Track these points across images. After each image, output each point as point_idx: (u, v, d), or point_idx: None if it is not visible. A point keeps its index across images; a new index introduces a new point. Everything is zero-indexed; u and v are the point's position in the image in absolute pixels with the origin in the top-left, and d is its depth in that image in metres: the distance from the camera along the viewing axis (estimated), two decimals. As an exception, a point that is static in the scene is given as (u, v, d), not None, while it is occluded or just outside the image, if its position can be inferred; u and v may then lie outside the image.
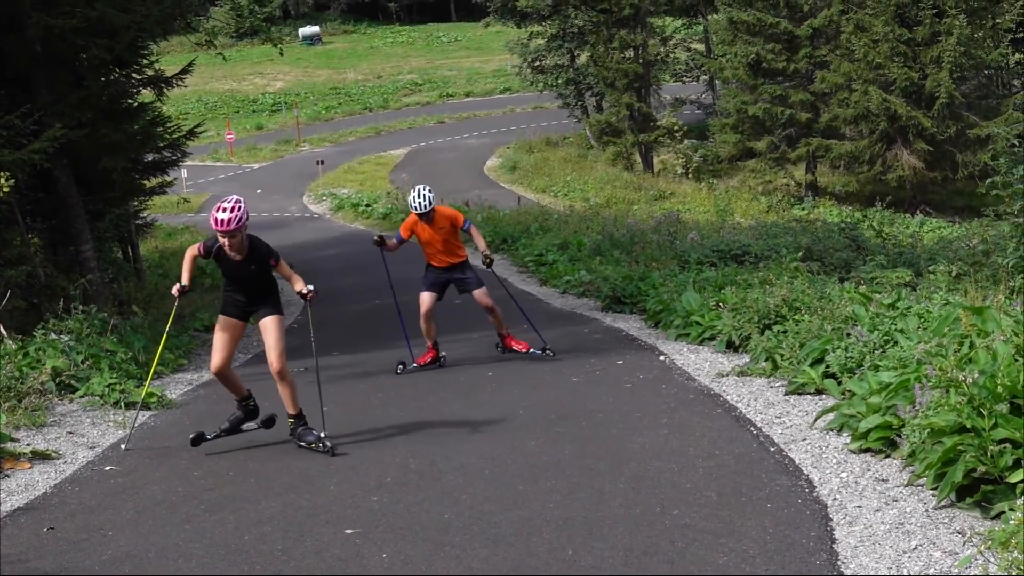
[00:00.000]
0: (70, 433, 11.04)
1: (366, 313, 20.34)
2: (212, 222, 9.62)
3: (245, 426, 10.43)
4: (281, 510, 8.11)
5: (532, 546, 6.99)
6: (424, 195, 13.29)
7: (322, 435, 9.78)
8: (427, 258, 13.79)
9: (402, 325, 14.18)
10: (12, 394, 11.75)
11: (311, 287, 9.88)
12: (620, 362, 13.30)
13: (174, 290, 10.12)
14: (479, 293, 13.77)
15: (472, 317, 18.35)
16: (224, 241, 9.64)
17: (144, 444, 10.67)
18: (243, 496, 8.53)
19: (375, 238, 13.72)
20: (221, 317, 10.12)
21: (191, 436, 10.08)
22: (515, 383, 12.42)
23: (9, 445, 10.16)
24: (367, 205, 43.31)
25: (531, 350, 13.95)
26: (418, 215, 13.33)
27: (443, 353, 13.99)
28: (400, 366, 13.60)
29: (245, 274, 9.90)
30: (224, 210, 9.53)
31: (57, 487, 9.10)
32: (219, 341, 10.05)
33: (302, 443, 9.88)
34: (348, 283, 24.88)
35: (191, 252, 10.12)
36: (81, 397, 12.44)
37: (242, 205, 9.64)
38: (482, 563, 6.70)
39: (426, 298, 13.60)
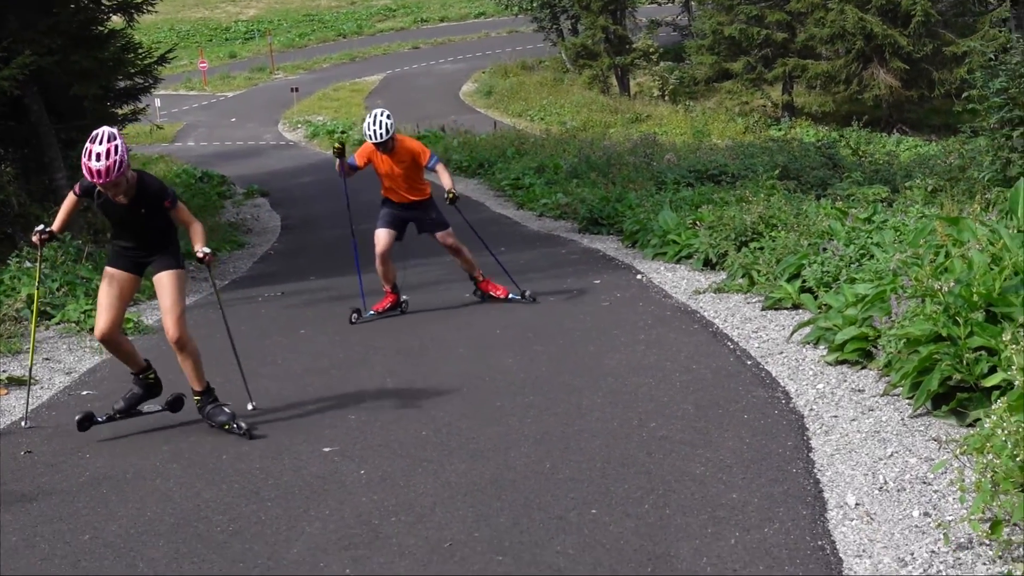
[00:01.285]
0: (46, 359, 11.00)
1: (341, 239, 20.19)
2: (85, 172, 7.64)
3: (146, 406, 8.66)
4: (259, 430, 8.09)
5: (510, 460, 7.00)
6: (381, 122, 11.58)
7: (235, 416, 8.10)
8: (384, 191, 12.15)
9: (357, 265, 12.51)
10: (-13, 321, 11.70)
11: (207, 249, 8.07)
12: (597, 281, 13.29)
13: (34, 236, 8.40)
14: (442, 235, 12.21)
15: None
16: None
17: (121, 369, 10.62)
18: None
19: (335, 146, 12.05)
20: (107, 270, 8.29)
21: (77, 418, 8.29)
22: (493, 304, 12.39)
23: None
24: (342, 132, 43.02)
25: (510, 296, 12.45)
26: (375, 144, 11.70)
27: (404, 297, 12.40)
28: (355, 315, 11.95)
29: (133, 219, 8.00)
30: (97, 156, 7.55)
31: (34, 412, 9.05)
32: (105, 299, 8.23)
33: (213, 423, 8.15)
34: (323, 209, 24.76)
35: (70, 196, 8.26)
36: (57, 324, 12.38)
37: (118, 144, 7.60)
38: (459, 477, 6.71)
39: (383, 236, 11.95)
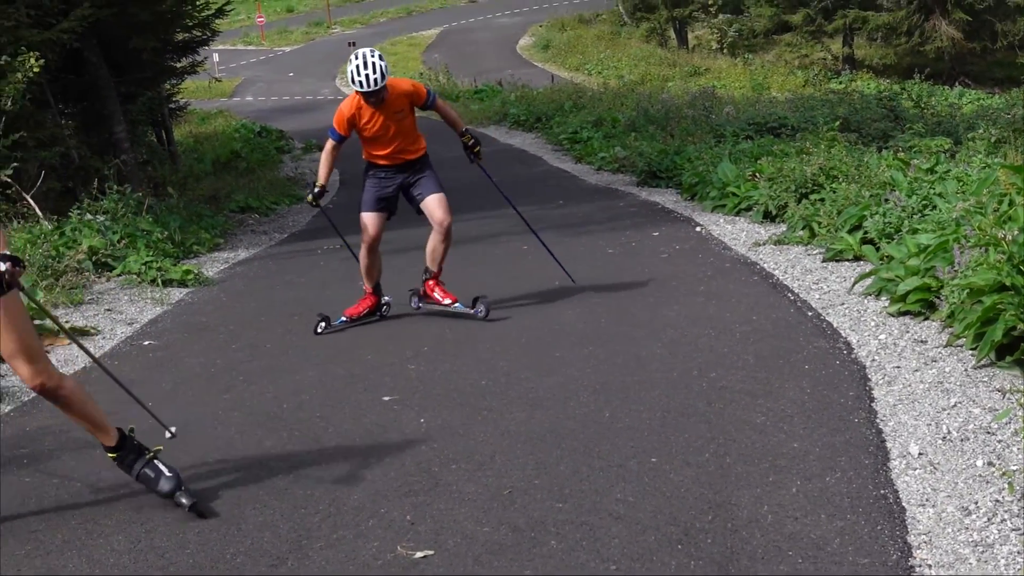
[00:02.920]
0: (108, 310, 11.09)
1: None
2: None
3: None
4: (319, 379, 8.14)
5: (569, 409, 7.00)
6: (374, 64, 8.97)
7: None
8: (370, 157, 9.69)
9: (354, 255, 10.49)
10: (49, 273, 11.79)
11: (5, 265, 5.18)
12: (656, 234, 13.24)
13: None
14: (435, 200, 9.60)
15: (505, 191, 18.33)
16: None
17: (182, 319, 10.73)
18: (281, 367, 8.56)
19: (312, 193, 9.79)
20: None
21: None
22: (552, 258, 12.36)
23: (48, 322, 10.20)
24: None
25: (456, 305, 9.76)
26: (364, 95, 9.14)
27: (387, 298, 10.12)
28: (321, 323, 9.69)
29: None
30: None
31: (100, 358, 9.13)
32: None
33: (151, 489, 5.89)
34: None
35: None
36: (118, 275, 12.47)
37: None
38: (519, 425, 6.71)
39: (371, 221, 9.65)
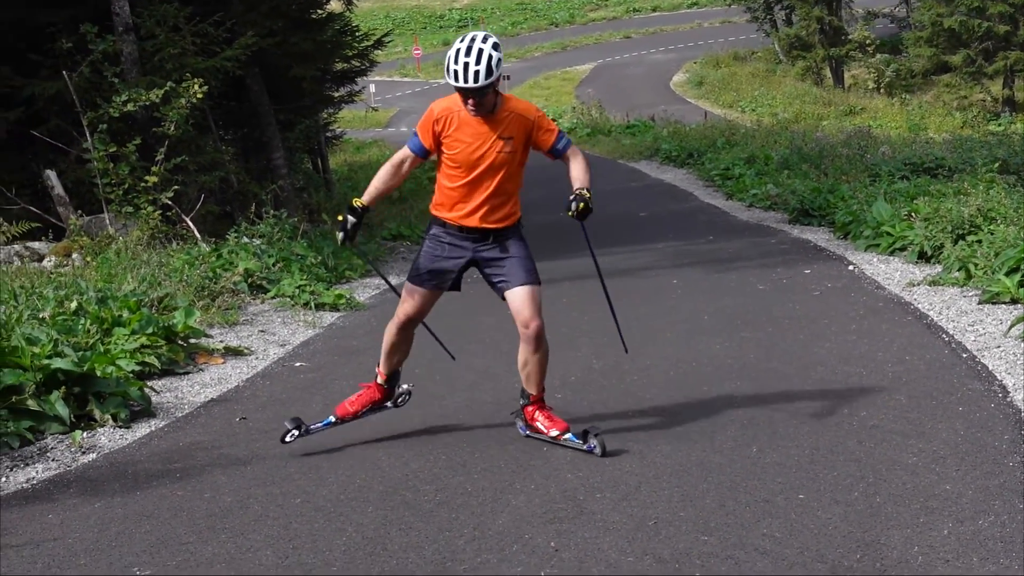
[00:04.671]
0: (261, 331, 11.29)
1: (546, 225, 20.32)
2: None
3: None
4: (466, 405, 8.20)
5: (716, 443, 6.94)
6: (480, 50, 6.54)
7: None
8: (438, 206, 7.05)
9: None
10: (206, 293, 12.07)
11: None
12: (807, 271, 13.10)
13: None
14: (523, 296, 6.93)
15: (652, 227, 18.26)
16: None
17: (333, 343, 10.88)
18: (429, 392, 8.62)
19: (344, 219, 7.08)
20: None
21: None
22: (701, 290, 12.33)
23: (203, 341, 10.43)
24: (553, 120, 43.11)
25: (568, 436, 6.94)
26: (463, 92, 6.60)
27: (404, 387, 7.67)
28: (293, 432, 7.15)
29: None
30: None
31: (249, 381, 9.33)
32: None
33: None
34: (531, 197, 24.82)
35: None
36: (272, 298, 12.71)
37: None
38: (665, 458, 6.67)
39: (416, 297, 7.11)
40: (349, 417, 7.35)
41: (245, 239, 14.05)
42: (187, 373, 9.68)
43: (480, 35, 6.59)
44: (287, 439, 7.09)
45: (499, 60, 6.54)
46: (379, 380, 7.40)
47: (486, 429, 7.53)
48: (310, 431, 7.19)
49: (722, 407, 7.75)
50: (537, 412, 7.13)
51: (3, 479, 7.01)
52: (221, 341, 10.71)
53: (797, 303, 11.34)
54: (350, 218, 7.01)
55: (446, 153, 6.83)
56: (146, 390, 8.65)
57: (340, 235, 7.08)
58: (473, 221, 6.87)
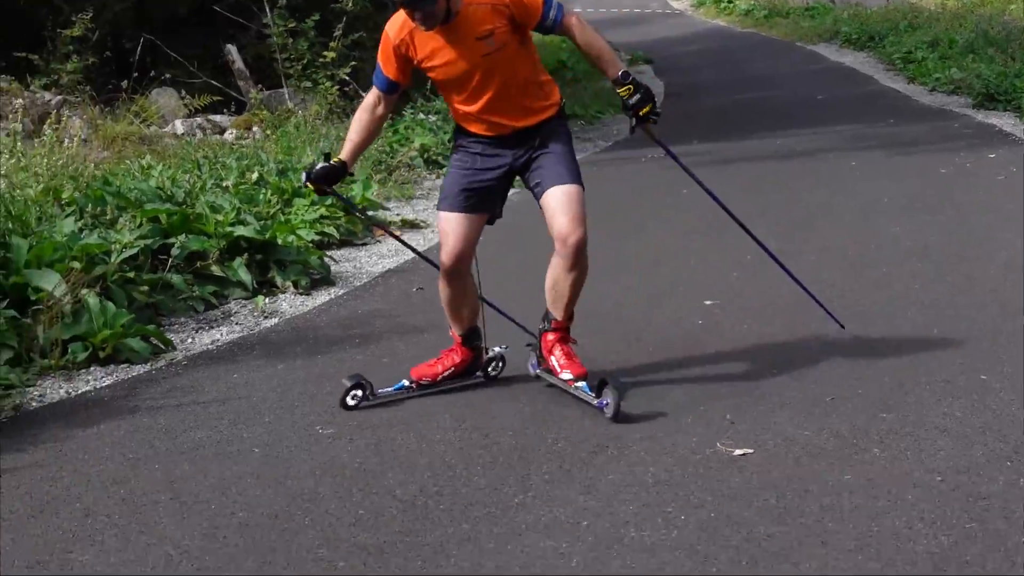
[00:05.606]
0: (436, 206, 11.37)
1: (721, 107, 20.10)
2: None
3: None
4: (639, 283, 8.21)
5: (895, 324, 6.85)
6: None
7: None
8: (457, 117, 5.87)
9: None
10: (383, 167, 12.22)
11: None
12: (992, 156, 12.77)
13: None
14: (560, 197, 5.66)
15: (831, 110, 17.94)
16: None
17: (507, 219, 10.90)
18: (602, 270, 8.55)
19: (310, 167, 5.90)
20: None
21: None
22: (880, 173, 12.09)
23: (380, 213, 10.58)
24: (728, 1, 42.42)
25: (579, 385, 5.67)
26: (404, 6, 5.40)
27: (496, 349, 6.22)
28: (354, 393, 5.82)
29: None
30: None
31: (425, 252, 9.41)
32: None
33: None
34: (706, 79, 24.60)
35: None
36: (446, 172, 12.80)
37: None
38: (842, 336, 6.60)
39: (453, 226, 5.84)
40: (427, 382, 6.03)
41: (421, 115, 14.14)
42: (365, 244, 9.84)
43: None
44: (349, 401, 5.80)
45: None
46: (457, 336, 6.08)
47: (661, 305, 7.53)
48: (376, 396, 5.88)
49: (901, 288, 7.64)
50: (556, 345, 5.87)
51: (189, 340, 7.24)
52: (397, 214, 10.85)
53: (980, 187, 11.08)
54: (320, 163, 5.82)
55: (432, 77, 5.74)
56: (325, 259, 8.82)
57: (303, 175, 5.93)
58: (496, 129, 5.70)
